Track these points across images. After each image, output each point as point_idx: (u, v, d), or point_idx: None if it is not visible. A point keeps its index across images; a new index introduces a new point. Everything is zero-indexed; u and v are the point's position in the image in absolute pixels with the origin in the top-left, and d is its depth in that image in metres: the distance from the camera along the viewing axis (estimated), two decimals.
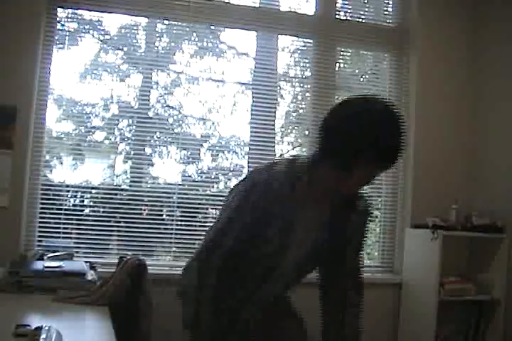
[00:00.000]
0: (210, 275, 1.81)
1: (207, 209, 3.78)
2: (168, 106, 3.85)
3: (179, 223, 3.64)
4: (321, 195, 1.81)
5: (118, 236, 3.60)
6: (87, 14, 3.61)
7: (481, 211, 3.70)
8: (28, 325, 1.68)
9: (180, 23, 3.77)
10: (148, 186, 3.76)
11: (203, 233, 1.87)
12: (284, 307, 2.13)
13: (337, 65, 4.00)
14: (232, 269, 1.84)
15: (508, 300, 3.60)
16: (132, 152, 3.75)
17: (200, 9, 3.67)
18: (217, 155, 3.90)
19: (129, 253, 3.26)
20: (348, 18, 4.07)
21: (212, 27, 3.85)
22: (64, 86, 3.57)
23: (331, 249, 1.90)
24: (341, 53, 4.06)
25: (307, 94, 4.03)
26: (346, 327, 1.93)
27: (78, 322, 2.09)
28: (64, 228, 3.46)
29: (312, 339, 2.09)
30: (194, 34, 3.84)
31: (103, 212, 3.57)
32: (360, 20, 4.05)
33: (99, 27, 3.68)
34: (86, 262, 2.87)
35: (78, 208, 3.60)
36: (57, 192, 3.52)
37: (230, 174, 3.94)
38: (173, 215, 3.66)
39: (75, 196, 3.62)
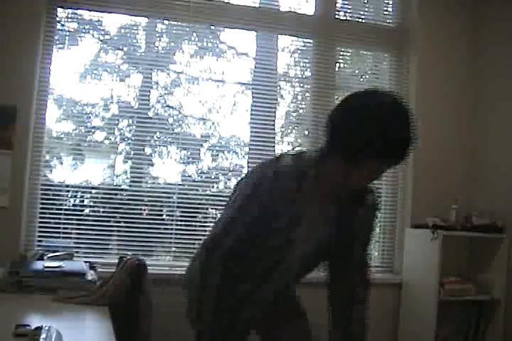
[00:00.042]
0: (211, 275, 1.81)
1: (207, 209, 3.78)
2: (168, 106, 3.85)
3: (179, 223, 3.64)
4: (329, 189, 1.80)
5: (118, 236, 3.60)
6: (87, 14, 3.61)
7: (481, 211, 3.70)
8: (28, 325, 1.68)
9: (180, 23, 3.77)
10: (148, 186, 3.76)
11: (203, 233, 1.87)
12: (293, 307, 2.12)
13: (337, 65, 4.00)
14: (232, 269, 1.84)
15: (508, 300, 3.60)
16: (132, 152, 3.75)
17: (200, 9, 3.67)
18: (217, 155, 3.90)
19: (129, 253, 3.27)
20: (348, 18, 4.07)
21: (212, 27, 3.85)
22: (64, 86, 3.57)
23: (338, 244, 1.89)
24: (341, 53, 4.06)
25: (307, 94, 4.03)
26: (354, 324, 1.93)
27: (78, 322, 2.09)
28: (64, 228, 3.46)
29: (318, 339, 2.08)
30: (194, 34, 3.84)
31: (103, 212, 3.57)
32: (360, 20, 4.05)
33: (99, 27, 3.68)
34: (86, 262, 2.87)
35: (78, 208, 3.60)
36: (57, 192, 3.52)
37: (230, 174, 3.94)
38: (173, 215, 3.66)
39: (75, 196, 3.62)
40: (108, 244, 3.59)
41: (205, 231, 3.48)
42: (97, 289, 2.43)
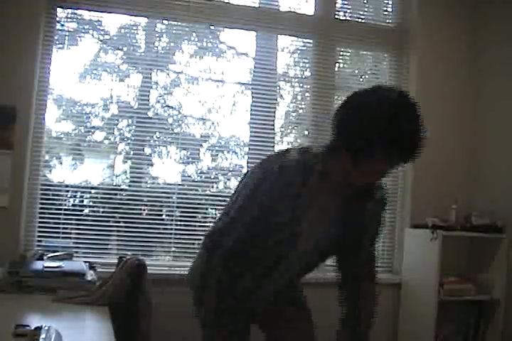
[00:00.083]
0: (211, 275, 1.81)
1: (206, 209, 3.78)
2: (167, 106, 3.84)
3: (179, 223, 3.63)
4: (336, 184, 1.77)
5: (117, 236, 3.60)
6: (86, 14, 3.60)
7: (480, 211, 3.70)
8: (28, 325, 1.68)
9: (179, 23, 3.76)
10: (148, 186, 3.76)
11: (203, 233, 1.87)
12: (299, 307, 2.12)
13: (337, 65, 4.00)
14: (232, 269, 1.83)
15: (507, 300, 3.60)
16: (132, 152, 3.75)
17: (199, 9, 3.67)
18: (217, 155, 3.90)
19: (129, 253, 3.27)
20: (348, 18, 4.06)
21: (212, 27, 3.85)
22: (63, 86, 3.57)
23: (344, 239, 1.88)
24: (341, 53, 4.05)
25: (307, 94, 4.03)
26: (362, 321, 1.94)
27: (78, 322, 2.09)
28: (63, 228, 3.46)
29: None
30: (194, 34, 3.84)
31: (102, 212, 3.57)
32: (360, 20, 4.05)
33: (98, 27, 3.68)
34: (85, 262, 2.88)
35: (78, 208, 3.59)
36: (56, 192, 3.52)
37: (230, 174, 3.94)
38: (172, 215, 3.66)
39: (75, 196, 3.62)
40: (108, 244, 3.59)
41: (205, 231, 3.47)
42: (97, 289, 2.43)
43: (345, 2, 4.07)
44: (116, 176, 3.81)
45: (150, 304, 2.63)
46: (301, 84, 4.15)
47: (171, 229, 3.62)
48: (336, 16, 4.00)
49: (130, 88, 3.71)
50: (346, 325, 1.97)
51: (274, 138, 3.92)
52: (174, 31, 3.82)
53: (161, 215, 3.70)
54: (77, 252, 3.31)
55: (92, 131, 3.68)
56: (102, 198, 3.63)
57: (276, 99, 3.96)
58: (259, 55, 3.90)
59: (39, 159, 3.40)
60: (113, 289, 2.39)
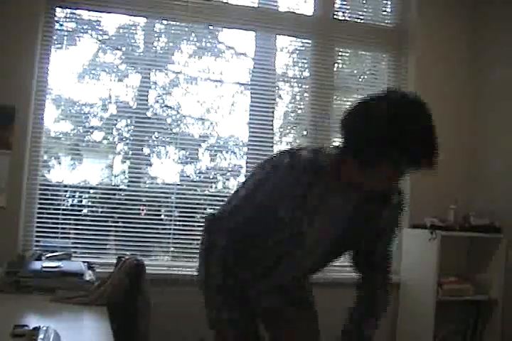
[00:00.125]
0: (211, 275, 1.81)
1: (205, 209, 3.77)
2: (166, 106, 3.84)
3: (177, 223, 3.63)
4: (348, 184, 1.73)
5: (116, 236, 3.59)
6: (85, 14, 3.60)
7: (480, 211, 3.70)
8: (26, 326, 1.68)
9: (178, 23, 3.76)
10: (147, 186, 3.76)
11: (201, 233, 1.87)
12: (303, 307, 2.12)
13: (335, 65, 4.00)
14: (232, 269, 1.83)
15: (505, 300, 3.60)
16: (130, 152, 3.75)
17: (198, 9, 3.67)
18: (216, 155, 3.90)
19: (127, 253, 3.27)
20: (347, 18, 4.06)
21: (211, 27, 3.85)
22: (62, 86, 3.57)
23: (354, 240, 1.87)
24: (340, 53, 4.05)
25: (305, 95, 4.03)
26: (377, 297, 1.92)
27: (76, 323, 2.09)
28: (62, 228, 3.46)
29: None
30: (192, 34, 3.83)
31: (101, 212, 3.57)
32: (359, 20, 4.05)
33: (97, 27, 3.68)
34: (84, 262, 2.87)
35: (76, 208, 3.59)
36: (55, 192, 3.51)
37: (229, 174, 3.94)
38: (171, 215, 3.66)
39: (73, 196, 3.62)
40: (106, 244, 3.58)
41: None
42: (95, 289, 2.43)
43: (344, 2, 4.08)
44: (115, 176, 3.80)
45: (149, 304, 2.63)
46: (299, 85, 4.14)
47: (170, 229, 3.61)
48: (335, 16, 4.00)
49: (129, 88, 3.71)
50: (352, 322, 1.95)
51: (272, 138, 3.92)
52: (173, 31, 3.82)
53: (160, 215, 3.70)
54: (75, 252, 3.31)
55: (91, 131, 3.68)
56: (100, 198, 3.63)
57: (275, 99, 3.96)
58: (258, 55, 3.90)
59: (38, 159, 3.40)
60: (111, 289, 2.39)
